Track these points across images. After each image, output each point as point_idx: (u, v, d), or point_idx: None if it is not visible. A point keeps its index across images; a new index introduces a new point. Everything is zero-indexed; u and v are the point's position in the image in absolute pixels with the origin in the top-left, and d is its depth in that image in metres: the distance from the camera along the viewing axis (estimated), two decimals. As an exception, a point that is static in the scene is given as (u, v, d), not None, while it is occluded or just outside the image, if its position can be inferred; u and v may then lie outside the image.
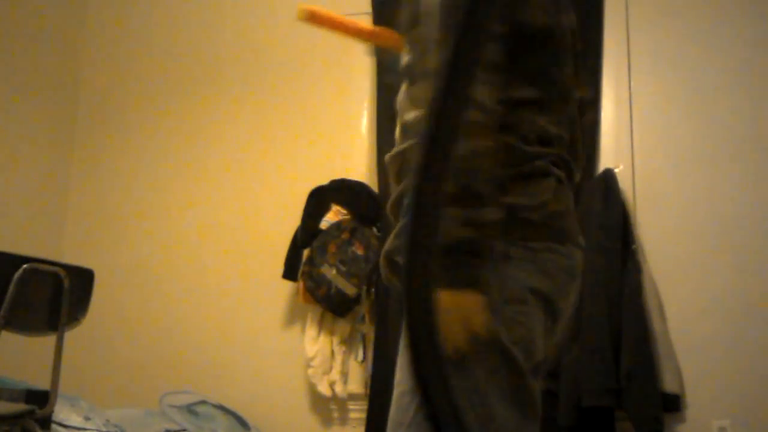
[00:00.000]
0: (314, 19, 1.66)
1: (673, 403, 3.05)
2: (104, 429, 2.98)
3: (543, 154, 1.20)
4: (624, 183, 3.30)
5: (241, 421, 3.51)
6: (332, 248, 3.49)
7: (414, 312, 0.57)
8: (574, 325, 3.08)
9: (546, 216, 1.18)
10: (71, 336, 2.82)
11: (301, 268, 3.56)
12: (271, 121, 4.04)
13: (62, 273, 2.65)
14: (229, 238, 3.98)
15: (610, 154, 3.43)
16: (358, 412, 3.57)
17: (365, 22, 1.69)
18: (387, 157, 1.34)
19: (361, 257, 3.46)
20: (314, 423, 3.65)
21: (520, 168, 1.17)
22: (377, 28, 1.66)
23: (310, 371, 3.54)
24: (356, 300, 3.47)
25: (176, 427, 3.22)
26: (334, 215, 3.58)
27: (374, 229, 3.54)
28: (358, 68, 3.88)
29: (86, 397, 3.33)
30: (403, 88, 1.32)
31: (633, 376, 2.95)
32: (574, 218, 1.24)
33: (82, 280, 2.79)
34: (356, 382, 3.55)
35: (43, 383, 2.80)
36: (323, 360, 3.54)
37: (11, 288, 2.45)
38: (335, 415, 3.64)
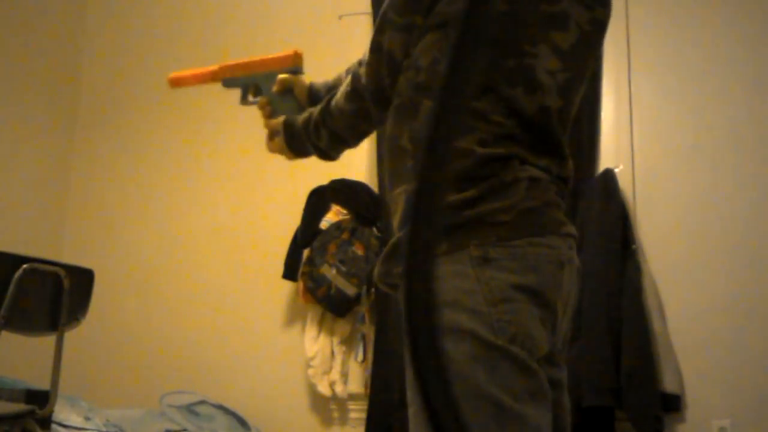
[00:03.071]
0: (181, 83, 1.67)
1: (673, 403, 3.05)
2: (104, 429, 2.98)
3: (502, 157, 1.21)
4: (624, 183, 3.30)
5: (241, 421, 3.51)
6: (332, 248, 3.49)
7: (416, 318, 0.57)
8: (574, 325, 3.08)
9: (519, 214, 1.19)
10: (71, 336, 2.83)
11: (301, 268, 3.56)
12: (271, 121, 4.03)
13: (62, 273, 2.65)
14: (229, 237, 3.98)
15: (610, 154, 3.43)
16: (358, 412, 3.57)
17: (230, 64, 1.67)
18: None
19: (361, 257, 3.46)
20: (314, 423, 3.65)
21: (483, 184, 1.19)
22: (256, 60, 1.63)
23: (310, 371, 3.54)
24: (356, 300, 3.47)
25: (176, 427, 3.22)
26: (334, 215, 3.58)
27: (374, 229, 3.54)
28: (358, 68, 3.88)
29: (86, 397, 3.33)
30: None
31: (633, 376, 2.95)
32: (555, 209, 1.25)
33: (82, 280, 2.79)
34: (356, 382, 3.55)
35: (43, 383, 2.80)
36: (323, 360, 3.54)
37: (11, 288, 2.45)
38: (335, 415, 3.64)
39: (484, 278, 1.15)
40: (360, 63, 1.40)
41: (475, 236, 1.17)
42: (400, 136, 1.30)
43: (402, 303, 1.29)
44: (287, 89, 1.57)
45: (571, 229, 1.27)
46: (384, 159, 1.37)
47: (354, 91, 1.37)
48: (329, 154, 1.48)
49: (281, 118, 1.52)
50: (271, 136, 1.53)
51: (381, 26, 1.33)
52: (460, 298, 1.15)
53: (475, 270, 1.16)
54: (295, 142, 1.48)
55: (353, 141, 1.46)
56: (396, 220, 1.31)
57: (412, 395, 1.18)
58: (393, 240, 1.29)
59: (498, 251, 1.17)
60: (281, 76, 1.57)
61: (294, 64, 1.59)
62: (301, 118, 1.48)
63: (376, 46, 1.33)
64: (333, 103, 1.42)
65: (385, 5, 1.34)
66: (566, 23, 1.28)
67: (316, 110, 1.46)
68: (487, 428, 1.11)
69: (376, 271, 1.30)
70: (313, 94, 1.58)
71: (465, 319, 1.13)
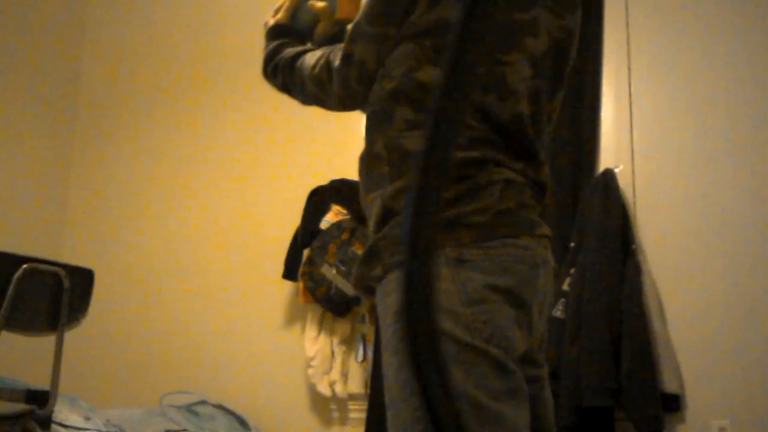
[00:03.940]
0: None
1: (673, 403, 3.05)
2: (104, 429, 2.98)
3: (477, 160, 1.22)
4: (624, 183, 3.30)
5: (241, 421, 3.51)
6: (332, 248, 3.49)
7: (416, 318, 0.57)
8: (574, 325, 3.08)
9: (494, 215, 1.20)
10: (71, 336, 2.83)
11: (301, 268, 3.56)
12: (271, 121, 4.04)
13: (62, 273, 2.65)
14: (229, 238, 3.98)
15: (610, 154, 3.42)
16: (358, 412, 3.57)
17: None
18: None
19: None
20: (314, 423, 3.65)
21: (458, 186, 1.20)
22: None
23: (310, 371, 3.54)
24: (356, 300, 3.47)
25: (176, 427, 3.22)
26: (334, 215, 3.58)
27: (374, 229, 3.54)
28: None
29: (86, 397, 3.33)
30: None
31: (633, 376, 2.95)
32: (529, 211, 1.26)
33: (82, 280, 2.79)
34: (356, 382, 3.55)
35: (43, 383, 2.80)
36: (323, 360, 3.54)
37: (11, 288, 2.46)
38: (335, 415, 3.64)
39: (460, 279, 1.16)
40: (328, 59, 1.39)
41: (450, 237, 1.18)
42: (374, 143, 1.32)
43: (386, 305, 1.28)
44: (316, 16, 1.59)
45: (546, 230, 1.28)
46: (358, 165, 1.37)
47: (320, 82, 1.40)
48: (271, 82, 1.55)
49: (285, 17, 1.58)
50: (275, 13, 1.61)
51: (353, 36, 1.34)
52: (437, 299, 1.15)
53: (451, 271, 1.16)
54: (266, 44, 1.57)
55: (300, 101, 1.53)
56: (370, 225, 1.33)
57: (391, 398, 1.18)
58: (369, 244, 1.30)
59: (473, 252, 1.17)
60: (323, 3, 1.58)
61: (348, 18, 1.56)
62: (277, 42, 1.54)
63: (346, 56, 1.35)
64: (299, 64, 1.45)
65: (358, 16, 1.35)
66: (537, 30, 1.29)
67: (287, 53, 1.49)
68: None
69: (353, 275, 1.31)
70: (322, 44, 1.57)
71: (441, 320, 1.14)
